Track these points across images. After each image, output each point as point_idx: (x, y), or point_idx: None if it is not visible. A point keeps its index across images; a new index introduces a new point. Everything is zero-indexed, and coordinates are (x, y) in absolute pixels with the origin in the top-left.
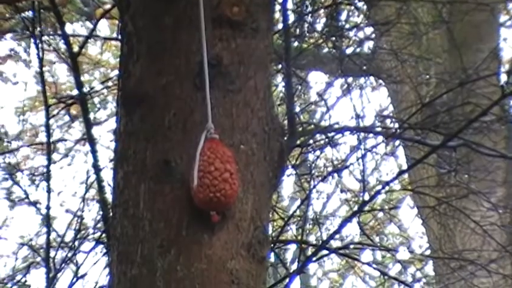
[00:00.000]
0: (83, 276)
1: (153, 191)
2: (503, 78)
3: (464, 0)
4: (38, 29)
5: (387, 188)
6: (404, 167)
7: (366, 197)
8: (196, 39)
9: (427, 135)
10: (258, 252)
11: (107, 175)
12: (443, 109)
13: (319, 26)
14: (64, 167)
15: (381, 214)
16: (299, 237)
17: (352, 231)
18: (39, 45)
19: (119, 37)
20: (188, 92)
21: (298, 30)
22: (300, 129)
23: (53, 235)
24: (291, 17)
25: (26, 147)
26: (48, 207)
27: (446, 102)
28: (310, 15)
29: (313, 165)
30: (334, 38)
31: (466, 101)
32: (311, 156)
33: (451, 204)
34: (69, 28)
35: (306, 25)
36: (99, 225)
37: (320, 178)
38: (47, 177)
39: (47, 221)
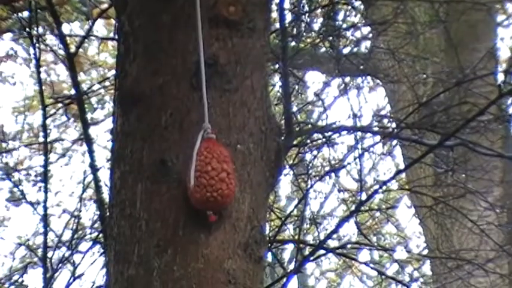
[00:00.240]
0: (80, 276)
1: (150, 191)
2: (500, 77)
3: None
4: (35, 29)
5: (384, 187)
6: (402, 166)
7: (363, 196)
8: (192, 39)
9: (424, 135)
10: (255, 252)
11: (104, 175)
12: (441, 108)
13: (316, 26)
14: (61, 167)
15: (378, 214)
16: (296, 237)
17: (349, 230)
18: (36, 45)
19: (116, 37)
20: (185, 92)
21: (295, 29)
22: (297, 128)
23: (50, 235)
24: (288, 17)
25: (23, 147)
26: (45, 207)
27: (443, 101)
28: (307, 14)
29: (311, 164)
30: (331, 38)
31: (463, 101)
32: (308, 156)
33: (448, 203)
34: (66, 28)
35: (303, 25)
36: (96, 225)
37: (317, 178)
38: (45, 177)
39: (44, 221)
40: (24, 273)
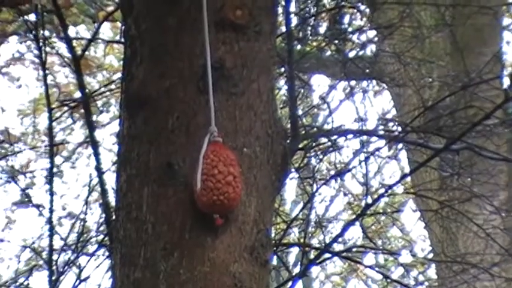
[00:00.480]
0: (85, 279)
1: (156, 194)
2: (506, 81)
3: (467, 3)
4: (41, 31)
5: (390, 191)
6: (407, 170)
7: (369, 200)
8: (199, 43)
9: (430, 139)
10: (261, 256)
11: (110, 178)
12: (446, 112)
13: (322, 29)
14: (67, 170)
15: (383, 217)
16: (302, 241)
17: (354, 234)
18: (42, 48)
19: (122, 40)
20: (191, 95)
21: (301, 33)
22: (303, 132)
23: (55, 238)
24: (294, 20)
25: (28, 149)
26: (51, 210)
27: (449, 105)
28: (313, 18)
29: (316, 168)
30: (337, 41)
31: (469, 105)
32: (314, 160)
33: (453, 207)
34: (72, 31)
35: (309, 28)
36: (102, 228)
37: (323, 181)
38: (50, 180)
39: (50, 223)
40: (29, 276)
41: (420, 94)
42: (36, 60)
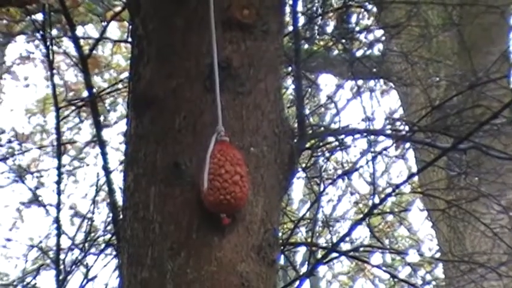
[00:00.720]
0: (93, 279)
1: (163, 194)
2: None
3: (474, 2)
4: (49, 31)
5: (397, 190)
6: (414, 169)
7: (376, 199)
8: (206, 42)
9: (437, 138)
10: (268, 255)
11: (117, 177)
12: (454, 112)
13: (329, 29)
14: (74, 169)
15: (390, 217)
16: (309, 240)
17: (362, 233)
18: (50, 47)
19: (130, 40)
20: (198, 95)
21: (308, 32)
22: (310, 131)
23: (63, 237)
24: (301, 20)
25: (36, 149)
26: (58, 209)
27: (456, 104)
28: (320, 17)
29: (323, 167)
30: (344, 41)
31: (477, 104)
32: (321, 159)
33: (461, 207)
34: (80, 30)
35: (316, 27)
36: (109, 227)
37: (330, 181)
38: (58, 179)
39: (57, 223)
40: (36, 275)
41: (427, 93)
42: (45, 60)
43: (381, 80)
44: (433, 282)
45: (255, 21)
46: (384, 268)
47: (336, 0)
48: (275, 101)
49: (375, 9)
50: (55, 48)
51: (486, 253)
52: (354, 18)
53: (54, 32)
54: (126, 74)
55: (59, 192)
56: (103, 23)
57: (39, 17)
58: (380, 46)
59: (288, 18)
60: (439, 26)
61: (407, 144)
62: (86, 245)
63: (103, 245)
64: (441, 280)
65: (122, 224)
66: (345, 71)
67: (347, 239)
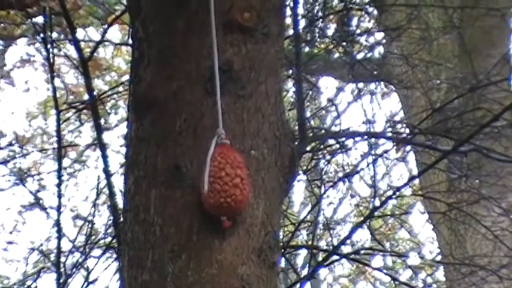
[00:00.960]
0: (93, 282)
1: (164, 196)
2: None
3: (475, 5)
4: (49, 34)
5: (398, 193)
6: (415, 172)
7: (377, 202)
8: (207, 45)
9: (438, 141)
10: (269, 258)
11: (118, 180)
12: (454, 114)
13: (330, 31)
14: (75, 172)
15: (391, 219)
16: (310, 243)
17: (362, 236)
18: (50, 50)
19: (130, 42)
20: (199, 97)
21: (309, 35)
22: (311, 134)
23: (63, 240)
24: (302, 22)
25: (37, 152)
26: (59, 212)
27: (457, 107)
28: (320, 20)
29: (324, 170)
30: (344, 43)
31: (477, 106)
32: (322, 162)
33: (461, 209)
34: (81, 33)
35: (317, 30)
36: (110, 230)
37: (331, 183)
38: (58, 182)
39: (58, 225)
40: (37, 278)
41: (428, 96)
42: (45, 63)
43: (382, 83)
44: (434, 285)
45: (256, 24)
46: (384, 271)
47: (337, 3)
48: (276, 103)
49: (375, 12)
50: (56, 51)
51: (487, 256)
52: (354, 21)
53: (55, 34)
54: (126, 77)
55: (59, 195)
56: (104, 26)
57: (39, 19)
58: (381, 49)
59: (288, 21)
60: (440, 29)
61: (408, 147)
62: (87, 247)
63: (104, 248)
64: (442, 283)
65: (122, 226)
66: (345, 74)
67: (348, 241)
